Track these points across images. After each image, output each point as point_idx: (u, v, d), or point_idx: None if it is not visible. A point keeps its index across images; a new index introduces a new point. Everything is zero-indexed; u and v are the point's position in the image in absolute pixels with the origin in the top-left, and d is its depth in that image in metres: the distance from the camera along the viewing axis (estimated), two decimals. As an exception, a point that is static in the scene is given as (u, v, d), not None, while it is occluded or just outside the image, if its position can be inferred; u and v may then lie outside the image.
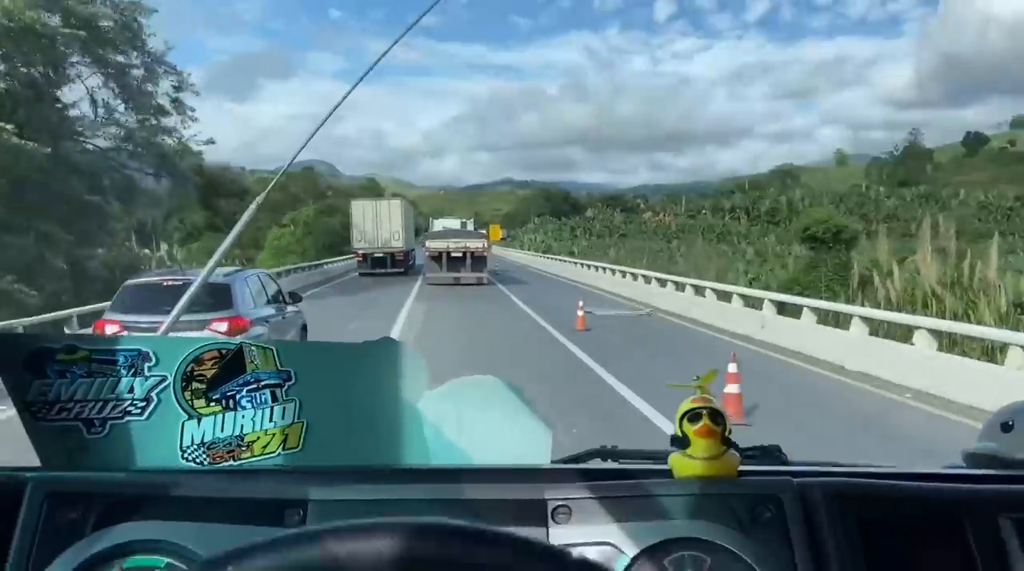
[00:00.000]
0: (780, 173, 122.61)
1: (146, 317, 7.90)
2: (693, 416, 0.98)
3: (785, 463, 1.21)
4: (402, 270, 33.94)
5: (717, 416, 0.97)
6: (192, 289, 1.50)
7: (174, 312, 1.42)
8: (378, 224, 34.21)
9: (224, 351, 1.14)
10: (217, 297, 8.57)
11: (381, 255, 34.02)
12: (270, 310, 9.92)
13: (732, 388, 7.52)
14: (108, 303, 9.24)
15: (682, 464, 0.98)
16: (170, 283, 8.74)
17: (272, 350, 1.15)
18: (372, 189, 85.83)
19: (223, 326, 8.40)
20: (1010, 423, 1.17)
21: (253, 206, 1.70)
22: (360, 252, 34.20)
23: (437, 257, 29.06)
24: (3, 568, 0.89)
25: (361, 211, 34.62)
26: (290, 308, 10.82)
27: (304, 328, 11.15)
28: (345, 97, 1.69)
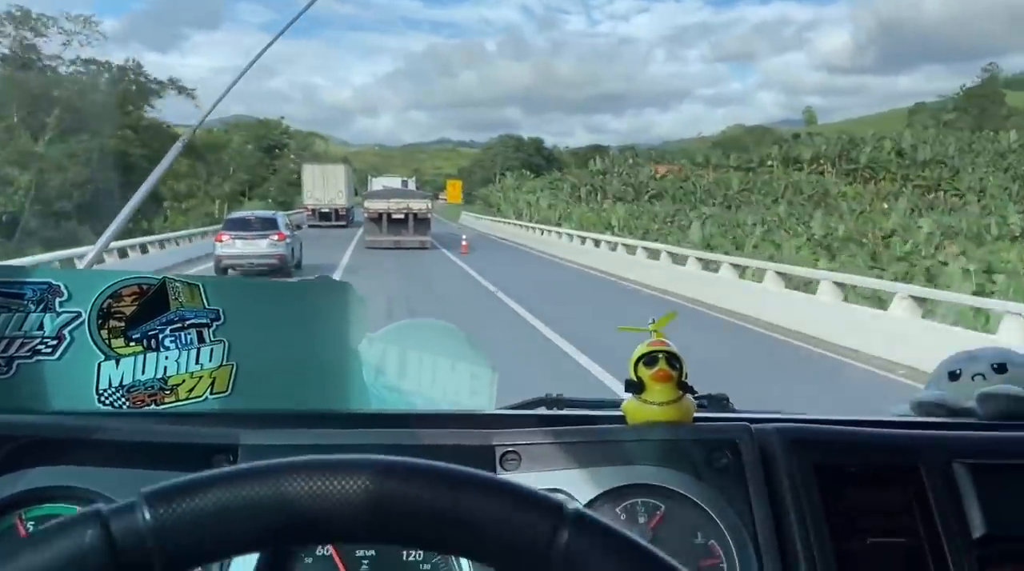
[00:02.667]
0: (759, 132, 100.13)
1: (241, 231, 17.44)
2: (649, 360, 0.93)
3: (734, 411, 1.19)
4: (344, 223, 40.23)
5: (674, 359, 0.93)
6: (118, 220, 1.37)
7: (104, 236, 1.30)
8: (325, 185, 41.46)
9: (145, 286, 1.04)
10: (269, 223, 18.02)
11: (327, 210, 41.29)
12: (290, 231, 18.50)
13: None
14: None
15: (637, 410, 0.95)
16: (251, 216, 18.74)
17: (199, 286, 1.06)
18: (308, 146, 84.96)
19: (276, 236, 17.49)
20: (957, 372, 1.17)
21: (172, 151, 1.59)
22: (309, 207, 41.53)
23: (376, 218, 27.44)
24: None
25: (311, 174, 42.53)
26: (296, 232, 19.81)
27: (301, 245, 19.67)
28: (267, 48, 1.60)
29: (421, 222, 27.86)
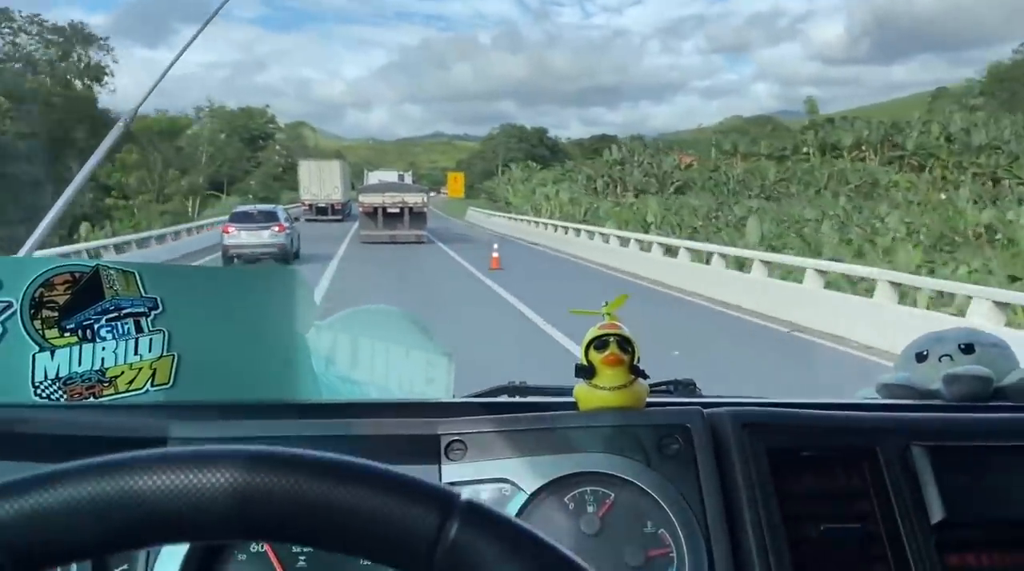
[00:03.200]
0: (764, 120, 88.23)
1: (245, 223, 18.89)
2: (600, 344, 0.90)
3: (698, 396, 1.16)
4: (340, 218, 40.67)
5: (626, 343, 0.90)
6: (57, 207, 1.32)
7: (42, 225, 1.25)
8: (321, 181, 42.19)
9: (78, 274, 1.00)
10: (271, 216, 19.63)
11: (324, 205, 41.90)
12: (289, 224, 20.00)
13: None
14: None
15: (587, 395, 0.91)
16: (254, 210, 20.52)
17: (134, 274, 1.03)
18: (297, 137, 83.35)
19: (276, 227, 18.83)
20: (924, 353, 1.14)
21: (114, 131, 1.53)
22: (307, 202, 42.14)
23: (372, 213, 27.11)
24: None
25: (307, 170, 43.18)
26: (295, 224, 21.68)
27: (299, 236, 20.89)
28: (200, 30, 1.52)
29: (417, 216, 27.60)
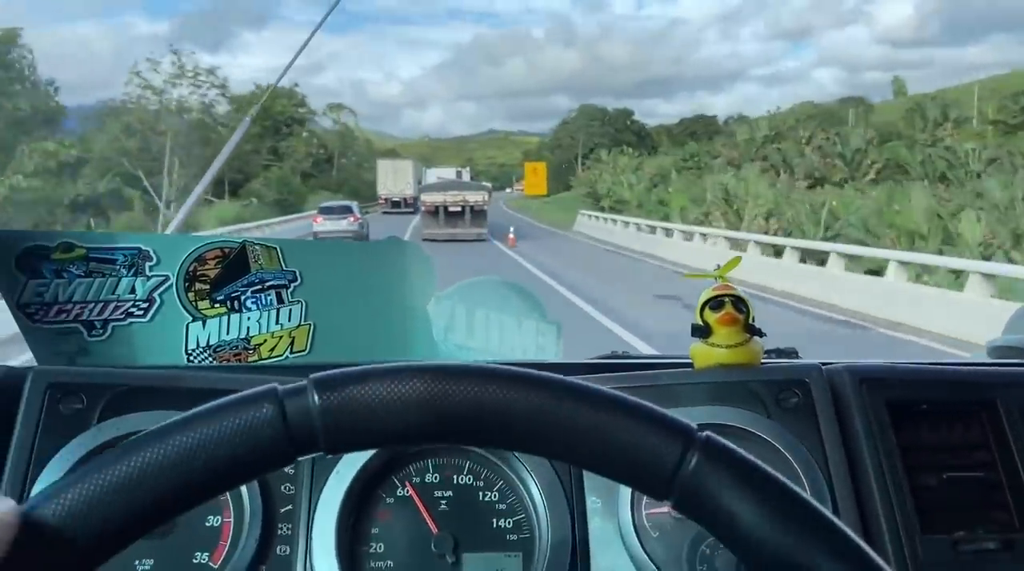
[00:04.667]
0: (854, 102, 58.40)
1: (329, 215, 26.94)
2: (715, 304, 0.94)
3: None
4: (412, 210, 44.60)
5: (740, 303, 0.94)
6: (190, 201, 1.44)
7: (181, 211, 1.36)
8: (396, 178, 50.48)
9: (227, 249, 1.10)
10: (348, 210, 27.56)
11: (398, 199, 49.95)
12: (361, 214, 27.47)
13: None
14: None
15: (704, 353, 0.96)
16: (336, 205, 29.16)
17: (276, 249, 1.11)
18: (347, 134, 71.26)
19: (352, 218, 26.48)
20: None
21: (246, 121, 1.67)
22: (383, 196, 50.81)
23: (433, 211, 27.64)
24: (5, 461, 0.86)
25: (384, 169, 51.67)
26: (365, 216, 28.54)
27: (369, 224, 28.27)
28: (315, 31, 1.63)
29: (478, 214, 27.85)
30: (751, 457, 0.46)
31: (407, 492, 0.91)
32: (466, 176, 38.28)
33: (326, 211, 27.62)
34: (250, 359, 1.12)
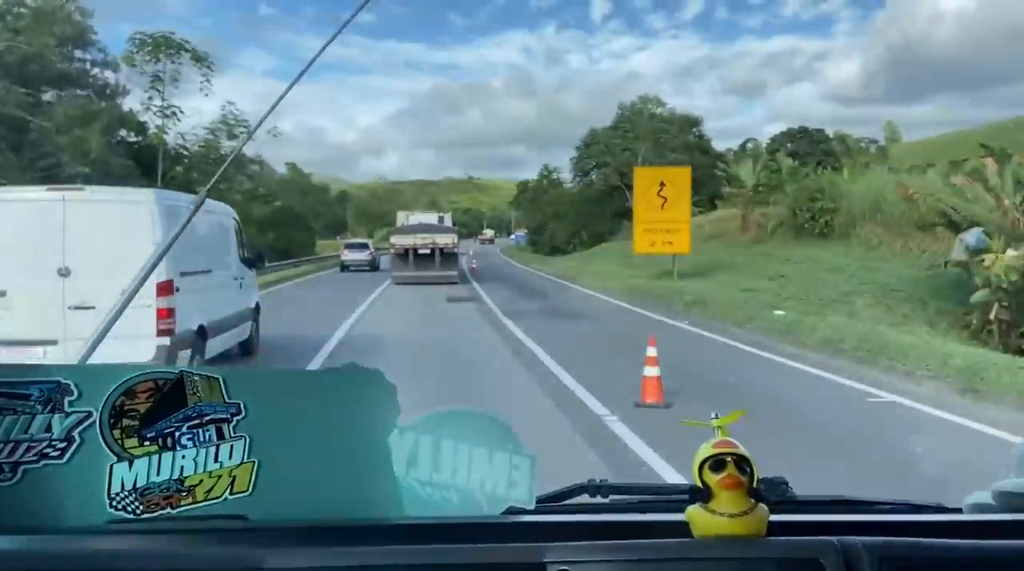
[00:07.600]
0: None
1: (352, 250, 40.27)
2: (716, 464, 0.84)
3: (793, 498, 1.09)
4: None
5: (744, 463, 0.84)
6: (125, 298, 1.31)
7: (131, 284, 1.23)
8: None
9: (161, 382, 0.97)
10: (365, 246, 41.06)
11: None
12: (374, 249, 41.46)
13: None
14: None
15: (704, 520, 0.85)
16: (355, 242, 43.56)
17: (219, 380, 0.99)
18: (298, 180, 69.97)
19: (368, 253, 39.46)
20: None
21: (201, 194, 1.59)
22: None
23: (403, 254, 26.99)
24: None
25: (401, 218, 52.70)
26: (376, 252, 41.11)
27: (380, 258, 39.49)
28: (281, 98, 1.62)
29: (448, 257, 27.40)
30: None
31: None
32: (448, 222, 35.75)
33: (350, 246, 40.00)
34: (183, 502, 0.98)
